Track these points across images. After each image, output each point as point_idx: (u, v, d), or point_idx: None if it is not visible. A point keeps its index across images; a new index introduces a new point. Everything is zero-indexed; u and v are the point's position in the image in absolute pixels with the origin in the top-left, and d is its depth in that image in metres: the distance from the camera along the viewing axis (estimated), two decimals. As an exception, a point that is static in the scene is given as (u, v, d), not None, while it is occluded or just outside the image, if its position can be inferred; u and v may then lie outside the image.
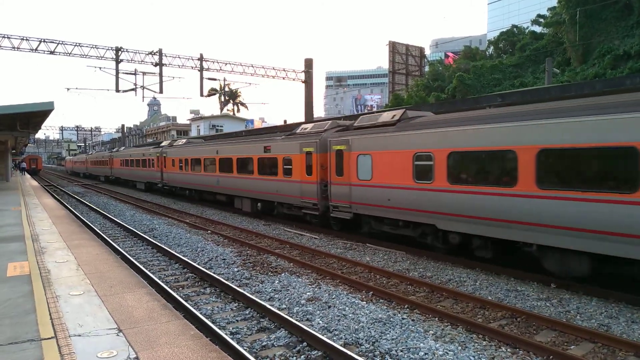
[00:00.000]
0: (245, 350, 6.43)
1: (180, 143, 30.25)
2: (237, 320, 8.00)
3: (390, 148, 12.72)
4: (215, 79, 42.27)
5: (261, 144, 19.35)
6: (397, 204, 12.50)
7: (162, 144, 33.83)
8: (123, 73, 32.02)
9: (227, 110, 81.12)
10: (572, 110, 8.85)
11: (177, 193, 30.28)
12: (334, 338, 7.05)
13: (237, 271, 11.25)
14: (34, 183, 41.05)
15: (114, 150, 50.79)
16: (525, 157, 9.32)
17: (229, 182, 22.03)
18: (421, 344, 6.79)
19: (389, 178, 12.73)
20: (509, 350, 6.74)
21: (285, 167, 17.49)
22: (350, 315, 8.04)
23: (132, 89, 32.79)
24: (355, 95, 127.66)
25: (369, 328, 7.43)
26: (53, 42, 29.39)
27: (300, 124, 20.77)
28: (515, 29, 47.64)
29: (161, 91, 32.55)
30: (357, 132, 14.20)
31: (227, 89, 73.77)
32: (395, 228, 13.15)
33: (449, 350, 6.59)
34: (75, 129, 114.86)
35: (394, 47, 50.35)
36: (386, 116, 13.63)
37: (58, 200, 26.19)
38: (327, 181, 15.40)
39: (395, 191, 12.52)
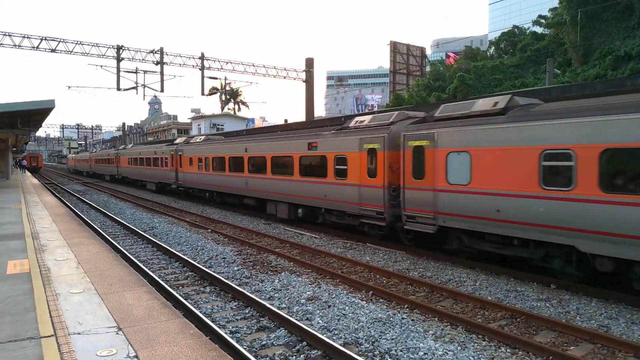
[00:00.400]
0: (244, 349, 6.44)
1: (198, 140, 27.79)
2: (236, 319, 8.00)
3: (500, 144, 10.01)
4: (216, 78, 42.59)
5: (304, 140, 16.72)
6: (512, 217, 9.70)
7: (177, 141, 31.56)
8: (124, 71, 32.14)
9: (228, 109, 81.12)
10: None
11: (194, 195, 27.60)
12: (334, 337, 7.05)
13: (237, 270, 11.25)
14: (35, 181, 41.07)
15: (121, 147, 47.89)
16: None
17: (260, 184, 19.37)
18: (421, 344, 6.79)
19: (499, 182, 9.97)
20: (508, 350, 6.74)
21: (337, 167, 14.90)
22: (350, 314, 8.04)
23: (133, 88, 32.85)
24: (356, 94, 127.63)
25: (368, 328, 7.43)
26: (54, 40, 29.46)
27: (352, 116, 18.26)
28: (516, 30, 47.66)
29: (162, 90, 32.64)
30: (445, 124, 11.42)
31: (228, 88, 73.89)
32: (504, 247, 10.40)
33: (449, 350, 6.59)
34: (76, 127, 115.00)
35: (395, 47, 50.33)
36: (483, 104, 11.02)
37: (58, 198, 26.23)
38: (399, 185, 12.60)
39: (510, 200, 9.75)
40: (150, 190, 34.21)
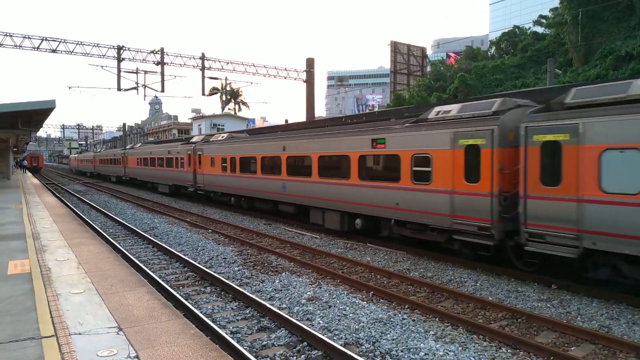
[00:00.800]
0: (245, 349, 6.44)
1: (220, 138, 25.29)
2: (237, 320, 8.00)
3: None
4: (216, 78, 42.47)
5: (367, 136, 13.95)
6: None
7: (193, 140, 29.47)
8: (125, 72, 32.12)
9: (229, 109, 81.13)
10: None
11: (216, 199, 25.09)
12: (334, 338, 7.05)
13: (238, 270, 11.25)
14: (35, 181, 41.10)
15: (128, 147, 45.77)
16: None
17: (303, 189, 16.86)
18: (422, 344, 6.79)
19: None
20: (509, 351, 6.73)
21: (416, 168, 12.19)
22: (350, 315, 8.04)
23: (134, 88, 32.84)
24: (357, 95, 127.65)
25: (369, 328, 7.43)
26: (55, 41, 29.47)
27: (430, 106, 15.70)
28: (517, 30, 47.68)
29: (163, 90, 32.62)
30: (593, 112, 8.68)
31: (228, 88, 73.87)
32: None
33: (450, 351, 6.58)
34: (77, 127, 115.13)
35: (395, 47, 50.32)
36: None
37: (59, 199, 26.25)
38: (514, 192, 9.92)
39: None
40: (163, 193, 32.04)
